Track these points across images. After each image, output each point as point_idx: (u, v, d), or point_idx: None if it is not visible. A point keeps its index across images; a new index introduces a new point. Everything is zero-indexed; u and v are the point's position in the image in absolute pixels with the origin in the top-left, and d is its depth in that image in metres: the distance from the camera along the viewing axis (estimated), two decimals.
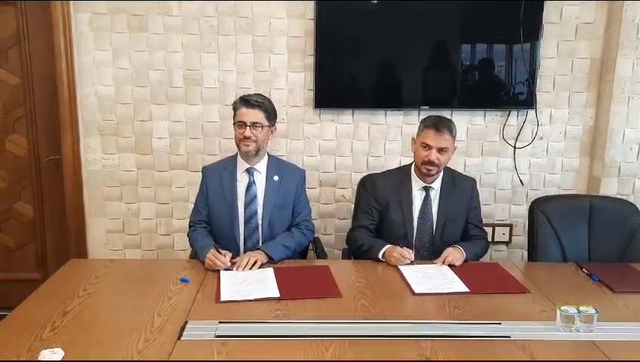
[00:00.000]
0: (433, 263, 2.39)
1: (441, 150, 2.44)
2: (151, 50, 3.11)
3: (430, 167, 2.47)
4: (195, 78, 3.15)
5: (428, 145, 2.45)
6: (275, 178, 2.57)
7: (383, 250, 2.42)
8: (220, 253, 2.29)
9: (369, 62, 3.16)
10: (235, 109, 2.50)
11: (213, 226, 2.58)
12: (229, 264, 2.27)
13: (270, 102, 2.53)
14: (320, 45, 3.07)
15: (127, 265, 2.57)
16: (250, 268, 2.27)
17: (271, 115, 2.51)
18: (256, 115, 2.44)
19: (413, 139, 2.58)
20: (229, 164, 2.60)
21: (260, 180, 2.56)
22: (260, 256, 2.34)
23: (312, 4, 3.05)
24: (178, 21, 3.08)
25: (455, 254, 2.40)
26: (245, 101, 2.45)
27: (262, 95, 2.54)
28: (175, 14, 3.07)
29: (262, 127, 2.46)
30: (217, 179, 2.57)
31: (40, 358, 1.57)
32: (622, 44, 3.06)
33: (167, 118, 3.19)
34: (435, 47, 3.17)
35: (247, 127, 2.43)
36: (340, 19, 3.07)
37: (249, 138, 2.44)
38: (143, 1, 3.04)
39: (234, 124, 2.50)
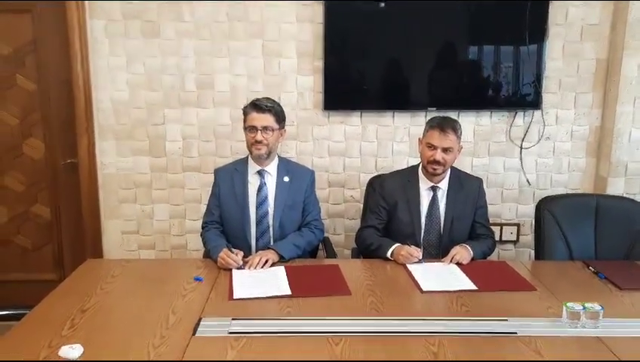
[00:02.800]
0: (441, 262, 2.43)
1: (446, 150, 2.49)
2: (164, 55, 3.17)
3: (436, 167, 2.52)
4: (207, 83, 3.21)
5: (433, 145, 2.49)
6: (286, 179, 2.62)
7: (392, 248, 2.46)
8: (232, 252, 2.34)
9: (377, 65, 3.21)
10: (245, 114, 2.54)
11: (226, 227, 2.63)
12: (241, 263, 2.32)
13: (279, 105, 2.58)
14: (329, 49, 3.12)
15: (143, 264, 2.63)
16: (262, 267, 2.33)
17: (280, 118, 2.55)
18: (267, 119, 2.49)
19: (419, 139, 2.63)
20: (241, 165, 2.65)
21: (271, 181, 2.61)
22: (271, 255, 2.39)
23: (320, 9, 3.10)
24: (190, 27, 3.14)
25: (462, 253, 2.43)
26: (255, 106, 2.50)
27: (271, 99, 2.59)
28: (187, 20, 3.13)
29: (272, 130, 2.51)
30: (229, 180, 2.62)
31: (60, 354, 1.62)
32: (627, 44, 3.07)
33: (179, 122, 3.26)
34: (442, 49, 3.21)
35: (259, 131, 2.48)
36: (348, 22, 3.12)
37: (260, 142, 2.48)
38: (155, 0, 3.11)
39: (245, 128, 2.55)
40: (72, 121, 3.20)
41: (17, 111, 3.29)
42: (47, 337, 1.72)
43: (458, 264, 2.40)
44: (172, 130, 3.26)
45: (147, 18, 3.13)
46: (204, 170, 3.30)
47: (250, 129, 2.51)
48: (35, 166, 3.36)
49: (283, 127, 2.59)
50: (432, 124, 2.53)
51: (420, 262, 2.40)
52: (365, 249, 2.63)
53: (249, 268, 2.31)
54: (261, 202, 2.58)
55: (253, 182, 2.61)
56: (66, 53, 3.12)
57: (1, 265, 3.47)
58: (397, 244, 2.47)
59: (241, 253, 2.37)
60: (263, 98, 2.57)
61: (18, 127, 3.31)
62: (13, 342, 1.70)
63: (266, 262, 2.35)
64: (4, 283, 3.45)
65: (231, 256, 2.32)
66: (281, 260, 2.41)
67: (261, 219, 2.59)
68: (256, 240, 2.60)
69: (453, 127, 2.49)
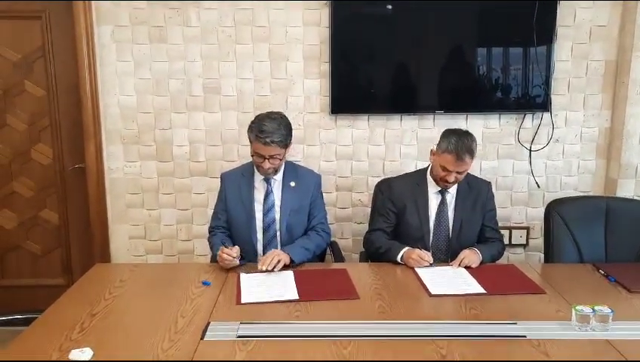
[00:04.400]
0: (450, 265, 2.42)
1: (460, 172, 2.48)
2: (171, 60, 3.18)
3: (447, 185, 2.53)
4: (214, 87, 3.22)
5: (448, 169, 2.47)
6: (292, 184, 2.61)
7: (402, 252, 2.45)
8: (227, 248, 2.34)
9: (384, 68, 3.21)
10: (250, 139, 2.47)
11: (232, 232, 2.62)
12: (234, 255, 2.31)
13: (285, 125, 2.47)
14: (335, 52, 3.12)
15: (151, 269, 2.64)
16: (273, 268, 2.31)
17: (287, 141, 2.47)
18: (273, 150, 2.42)
19: (432, 151, 2.59)
20: (247, 171, 2.63)
21: (277, 187, 2.60)
22: (283, 256, 2.37)
23: (327, 12, 3.10)
24: (197, 31, 3.15)
25: (471, 256, 2.42)
26: (260, 138, 2.39)
27: (277, 118, 2.46)
28: (194, 25, 3.14)
29: (280, 156, 2.47)
30: (236, 185, 2.61)
31: (70, 357, 1.63)
32: (636, 45, 3.05)
33: (186, 126, 3.26)
34: (450, 51, 3.20)
35: (266, 160, 2.44)
36: (355, 25, 3.12)
37: (268, 168, 2.47)
38: (162, 1, 3.12)
39: (251, 148, 2.48)
40: (80, 126, 3.21)
41: (26, 117, 3.31)
42: (57, 341, 1.74)
43: (467, 267, 2.39)
44: (179, 134, 3.27)
45: (154, 23, 3.14)
46: (211, 174, 3.30)
47: (257, 155, 2.46)
48: (44, 171, 3.38)
49: (290, 143, 2.52)
50: (449, 148, 2.43)
51: (430, 266, 2.38)
52: (374, 252, 2.62)
53: (262, 266, 2.30)
54: (268, 209, 2.57)
55: (259, 188, 2.60)
56: (74, 59, 3.14)
57: (10, 270, 3.50)
58: (407, 248, 2.46)
59: (237, 248, 2.36)
60: (267, 119, 2.43)
61: (27, 133, 3.33)
62: (24, 346, 1.72)
63: (278, 262, 2.33)
64: (14, 288, 3.48)
65: (224, 251, 2.32)
66: (292, 264, 2.40)
67: (268, 226, 2.58)
68: (264, 247, 2.58)
69: (470, 151, 2.43)
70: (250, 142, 2.48)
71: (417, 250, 2.43)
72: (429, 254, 2.43)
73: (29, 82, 3.28)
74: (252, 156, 2.50)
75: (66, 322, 1.86)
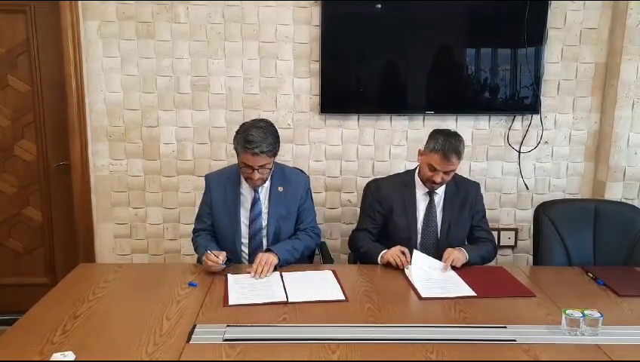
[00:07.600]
0: (436, 260, 2.40)
1: (447, 172, 2.47)
2: (158, 56, 3.14)
3: (435, 185, 2.52)
4: (202, 84, 3.18)
5: (435, 168, 2.46)
6: (280, 189, 2.52)
7: (381, 254, 2.45)
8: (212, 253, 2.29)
9: (374, 68, 3.19)
10: (237, 151, 2.38)
11: (217, 238, 2.54)
12: (221, 262, 2.26)
13: (272, 132, 2.37)
14: (325, 51, 3.10)
15: (136, 269, 2.60)
16: (267, 272, 2.26)
17: (276, 149, 2.39)
18: (263, 160, 2.33)
19: (420, 151, 2.57)
20: (233, 174, 2.52)
21: (265, 193, 2.52)
22: (272, 259, 2.32)
23: (317, 10, 3.08)
24: (185, 28, 3.11)
25: (455, 254, 2.40)
26: (248, 149, 2.29)
27: (263, 126, 2.36)
28: (182, 21, 3.10)
29: (269, 165, 2.39)
30: (221, 190, 2.52)
31: (52, 360, 1.59)
32: (626, 48, 3.07)
33: (174, 124, 3.22)
34: (440, 52, 3.19)
35: (255, 171, 2.34)
36: (345, 24, 3.10)
37: (257, 179, 2.38)
38: (150, 1, 3.08)
39: (239, 160, 2.40)
40: (65, 122, 3.16)
41: (9, 112, 3.25)
42: (38, 344, 1.69)
43: (456, 269, 2.37)
44: (166, 132, 3.23)
45: (142, 19, 3.09)
46: (198, 172, 3.26)
47: (245, 166, 2.36)
48: (27, 168, 3.32)
49: (278, 150, 2.42)
50: (436, 147, 2.43)
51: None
52: (356, 250, 2.64)
53: (254, 274, 2.25)
54: (255, 218, 2.50)
55: (246, 195, 2.51)
56: (60, 54, 3.08)
57: None
58: (385, 251, 2.45)
59: (223, 253, 2.30)
60: (253, 128, 2.33)
61: (10, 129, 3.27)
62: (4, 349, 1.68)
63: (269, 266, 2.29)
64: None
65: (209, 257, 2.26)
66: (277, 264, 2.36)
67: (254, 235, 2.51)
68: (249, 255, 2.52)
69: (457, 151, 2.42)
70: (237, 153, 2.37)
71: (399, 247, 2.42)
72: (408, 253, 2.39)
73: (13, 77, 3.21)
74: (240, 168, 2.41)
75: (48, 324, 1.82)
